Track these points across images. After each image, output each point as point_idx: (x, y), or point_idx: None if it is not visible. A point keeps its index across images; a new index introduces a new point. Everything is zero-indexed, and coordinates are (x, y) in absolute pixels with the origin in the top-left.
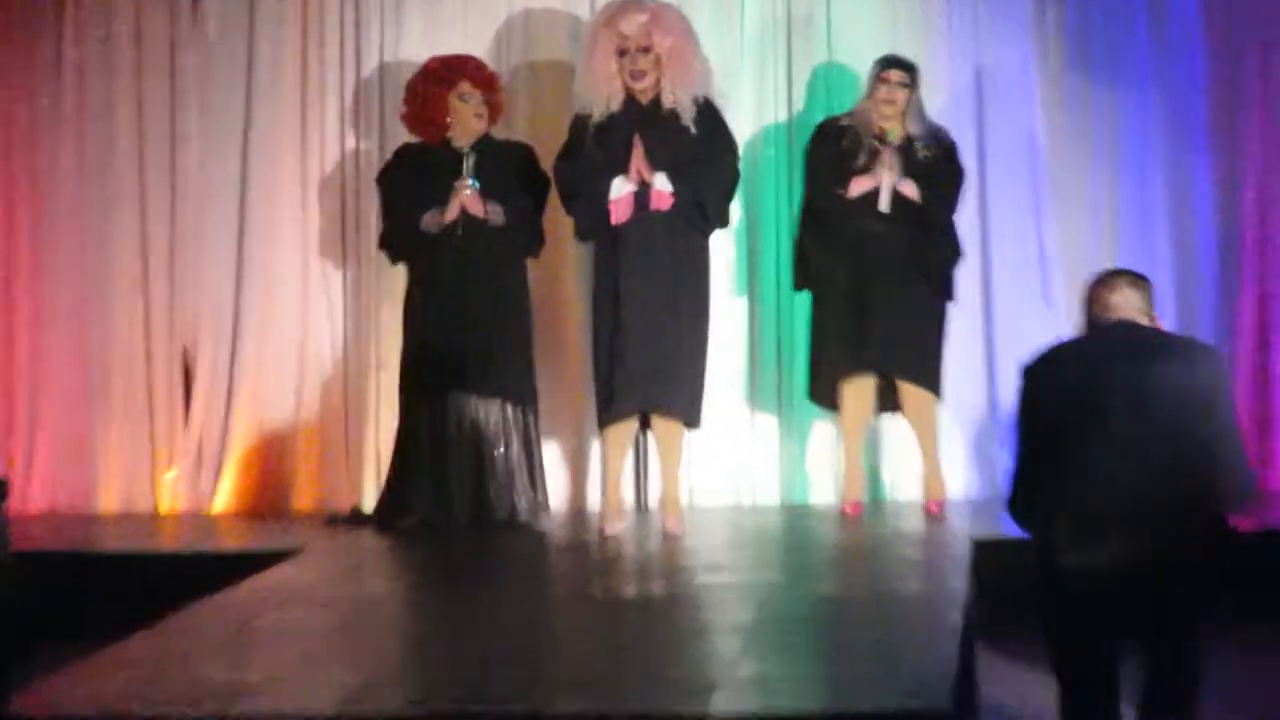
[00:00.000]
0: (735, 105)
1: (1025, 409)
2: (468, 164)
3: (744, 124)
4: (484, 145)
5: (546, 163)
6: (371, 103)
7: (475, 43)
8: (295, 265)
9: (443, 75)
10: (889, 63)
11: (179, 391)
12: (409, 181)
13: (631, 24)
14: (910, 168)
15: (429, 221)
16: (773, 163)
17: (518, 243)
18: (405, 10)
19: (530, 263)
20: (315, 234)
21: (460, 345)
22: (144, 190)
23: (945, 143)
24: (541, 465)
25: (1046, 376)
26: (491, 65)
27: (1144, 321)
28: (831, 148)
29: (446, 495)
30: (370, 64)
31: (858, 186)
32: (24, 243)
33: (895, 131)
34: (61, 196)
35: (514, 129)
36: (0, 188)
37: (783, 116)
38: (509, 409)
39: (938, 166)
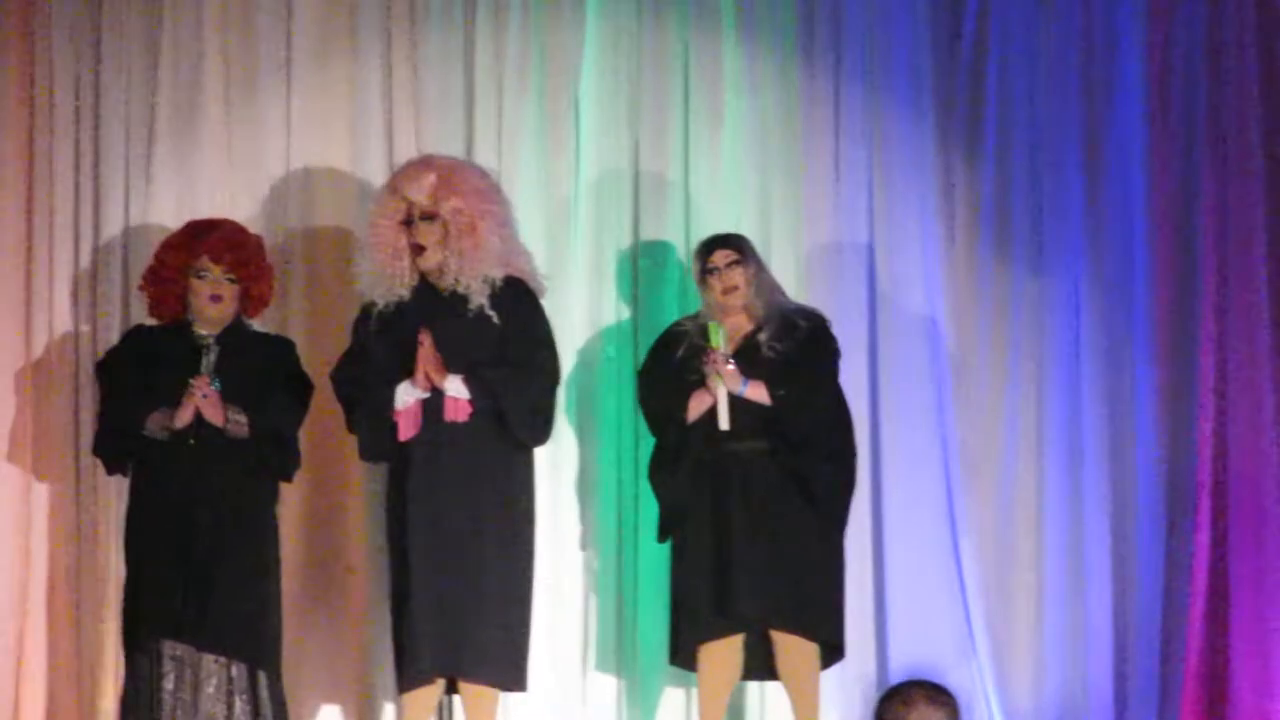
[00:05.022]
0: (565, 290)
1: None
2: (207, 358)
3: (576, 316)
4: (232, 336)
5: (327, 359)
6: (112, 279)
7: (241, 207)
8: (13, 477)
9: (181, 243)
10: (710, 245)
11: None
12: (135, 372)
13: (416, 186)
14: (759, 366)
15: (154, 424)
16: (614, 368)
17: (265, 460)
18: (157, 166)
19: (309, 476)
20: (39, 436)
21: (182, 582)
22: None
23: (805, 323)
24: None
25: None
26: (259, 233)
27: None
28: (664, 361)
29: None
30: (112, 231)
31: (695, 405)
32: None
33: (716, 330)
34: None
35: (289, 315)
36: None
37: (626, 312)
38: (236, 665)
39: (797, 356)
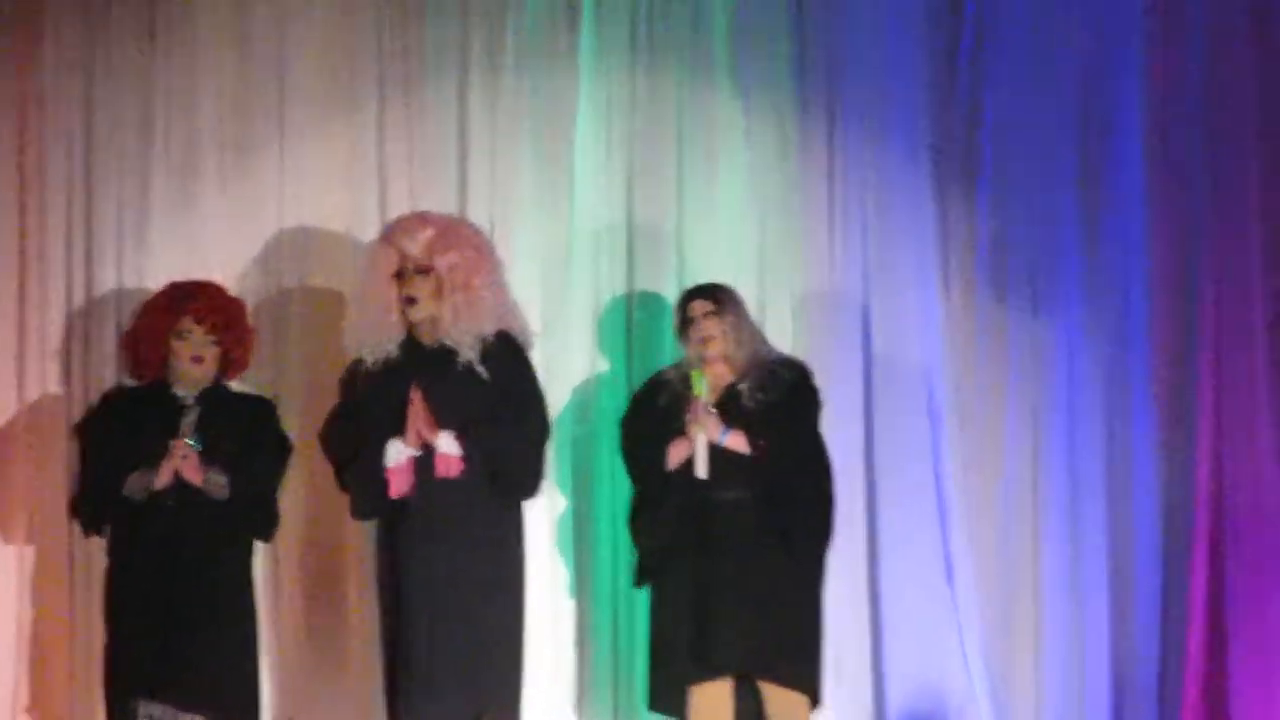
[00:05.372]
0: (560, 342)
1: None
2: (187, 419)
3: (573, 368)
4: (211, 397)
5: (312, 419)
6: (106, 340)
7: (236, 268)
8: (8, 539)
9: (163, 305)
10: (689, 297)
11: None
12: (113, 434)
13: (412, 240)
14: (739, 415)
15: (133, 485)
16: (611, 418)
17: (243, 521)
18: (151, 228)
19: (304, 536)
20: (33, 499)
21: (161, 643)
22: None
23: (786, 373)
24: None
25: None
26: (254, 293)
27: None
28: (646, 411)
29: None
30: (105, 292)
31: (675, 454)
32: None
33: (699, 378)
34: None
35: (287, 375)
36: None
37: (620, 363)
38: None
39: (778, 406)
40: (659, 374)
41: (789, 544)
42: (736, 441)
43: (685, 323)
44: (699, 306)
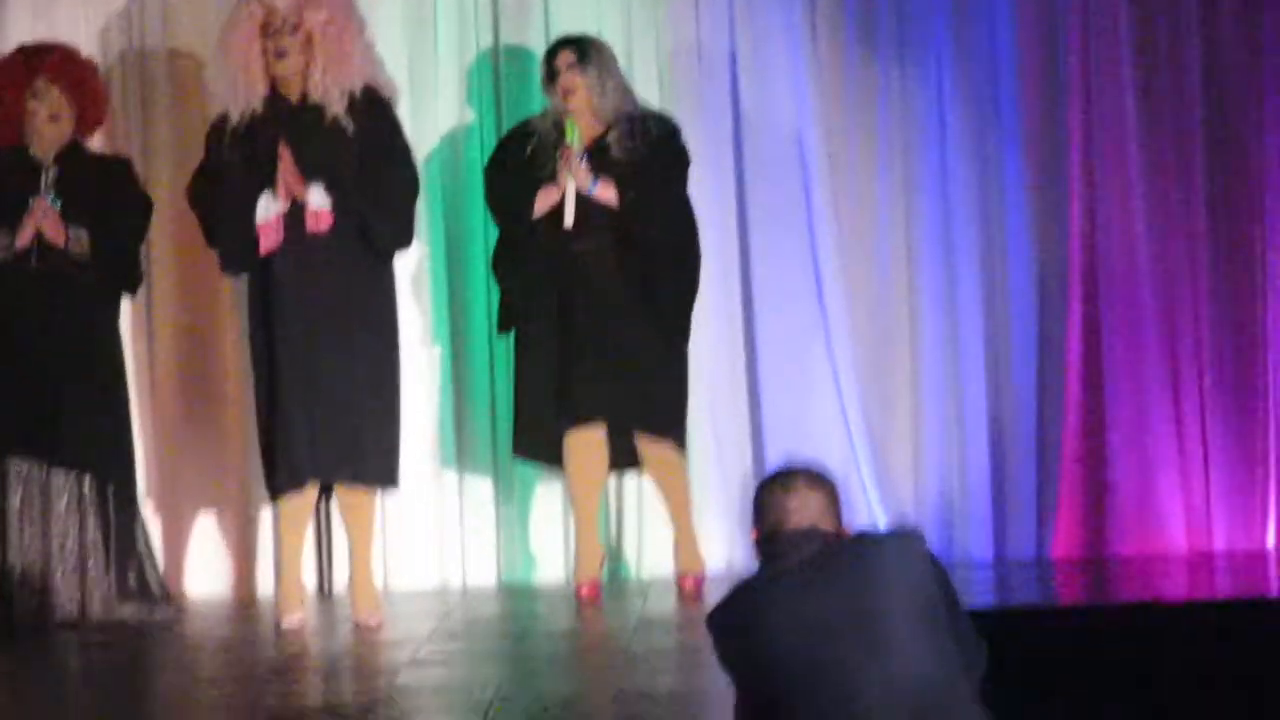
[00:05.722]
0: (431, 97)
1: (727, 672)
2: (46, 178)
3: (442, 120)
4: (70, 157)
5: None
6: None
7: (94, 25)
8: None
9: (14, 69)
10: (555, 48)
11: None
12: None
13: None
14: (607, 166)
15: None
16: (478, 170)
17: (108, 277)
18: None
19: (175, 293)
20: None
21: (26, 402)
22: None
23: (656, 130)
24: (141, 547)
25: (740, 636)
26: (120, 55)
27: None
28: (513, 158)
29: (6, 588)
30: None
31: (543, 201)
32: None
33: (573, 127)
34: None
35: (154, 135)
36: None
37: (489, 117)
38: (87, 480)
39: (647, 160)
40: (525, 123)
41: (654, 297)
42: (605, 192)
43: (550, 74)
44: (564, 58)
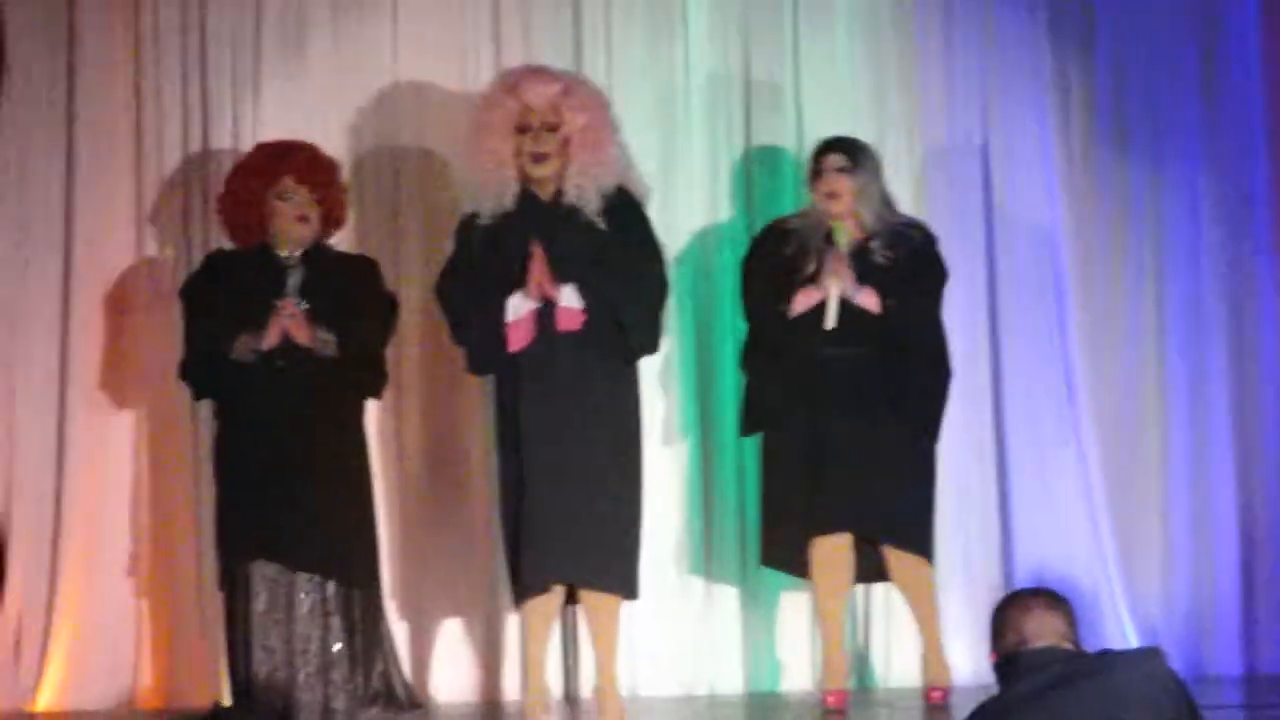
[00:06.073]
0: (681, 200)
1: None
2: (292, 279)
3: (693, 221)
4: (315, 257)
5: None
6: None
7: (348, 126)
8: (134, 396)
9: (261, 167)
10: (825, 148)
11: None
12: (218, 297)
13: (538, 94)
14: (869, 273)
15: (242, 348)
16: (730, 270)
17: (353, 378)
18: (265, 81)
19: (424, 394)
20: (160, 354)
21: (273, 504)
22: None
23: (917, 239)
24: (383, 653)
25: None
26: (369, 150)
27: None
28: (772, 256)
29: (251, 690)
30: (220, 139)
31: (803, 301)
32: None
33: (842, 230)
34: None
35: (404, 232)
36: None
37: (740, 215)
38: (330, 584)
39: (908, 268)
40: (781, 221)
41: (908, 405)
42: (868, 299)
43: (816, 173)
44: (833, 160)
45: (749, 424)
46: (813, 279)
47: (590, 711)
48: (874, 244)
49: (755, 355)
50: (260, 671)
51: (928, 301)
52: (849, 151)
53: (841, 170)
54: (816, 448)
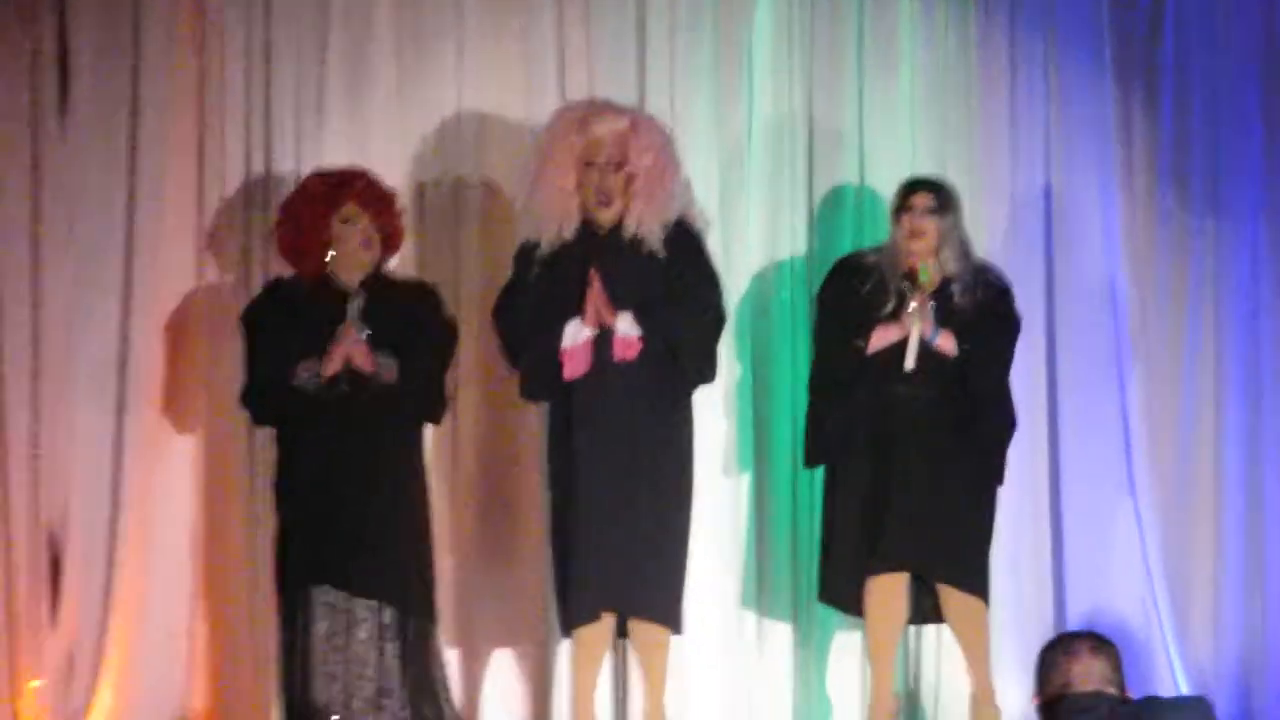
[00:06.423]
0: (740, 237)
1: None
2: (354, 305)
3: (753, 259)
4: (375, 283)
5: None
6: None
7: (412, 156)
8: (190, 421)
9: (322, 194)
10: (913, 186)
11: (44, 584)
12: (279, 325)
13: (606, 130)
14: (947, 316)
15: (304, 375)
16: (788, 308)
17: (414, 405)
18: (328, 109)
19: (479, 421)
20: (217, 380)
21: (333, 529)
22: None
23: (995, 285)
24: (436, 680)
25: None
26: (432, 180)
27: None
28: (848, 291)
29: (306, 716)
30: (283, 163)
31: (880, 339)
32: None
33: (927, 271)
34: None
35: (464, 261)
36: None
37: (801, 251)
38: (387, 610)
39: (984, 314)
40: (858, 255)
41: (975, 448)
42: (946, 343)
43: (902, 210)
44: (922, 200)
45: (811, 456)
46: (893, 316)
47: None
48: (954, 287)
49: (826, 389)
50: (318, 696)
51: (1002, 349)
52: (938, 192)
53: (930, 211)
54: (882, 483)
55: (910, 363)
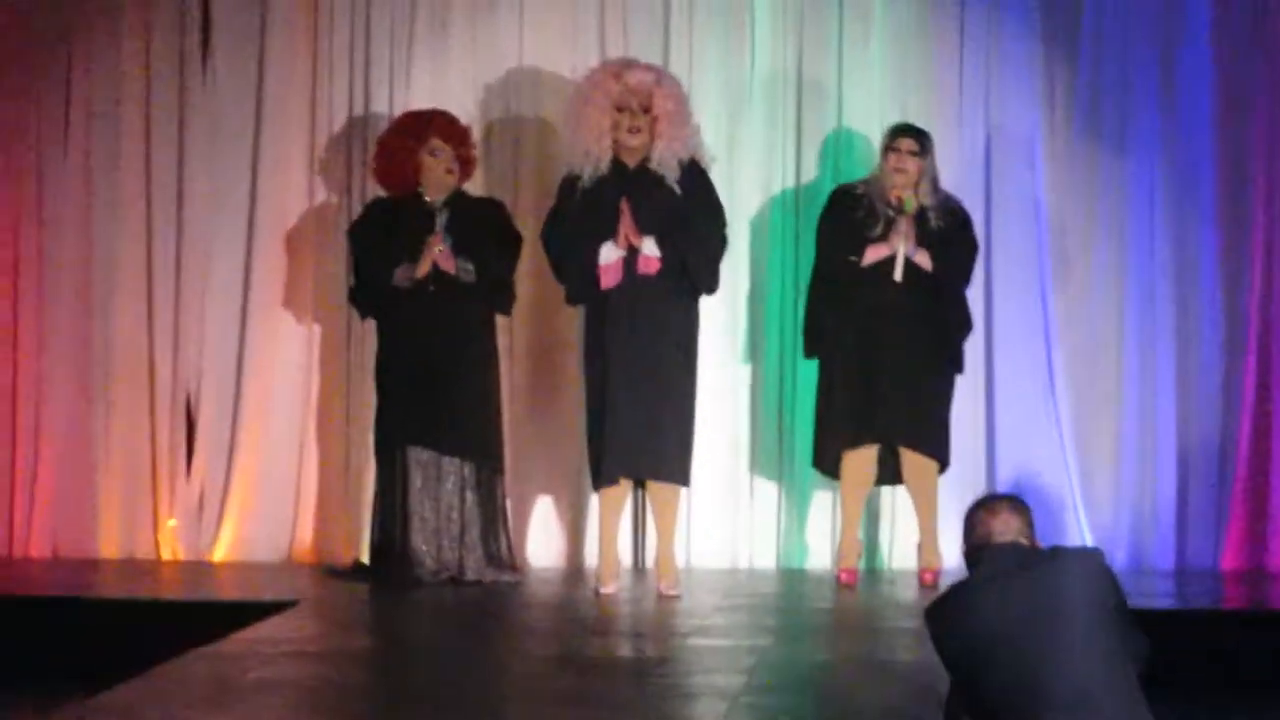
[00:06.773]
0: (741, 171)
1: (940, 655)
2: (440, 220)
3: (751, 190)
4: (455, 201)
5: (540, 223)
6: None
7: (480, 99)
8: (302, 312)
9: (413, 130)
10: (900, 131)
11: (181, 439)
12: (380, 236)
13: (638, 80)
14: (924, 237)
15: (401, 277)
16: (779, 230)
17: (488, 300)
18: (415, 60)
19: (530, 317)
20: (323, 280)
21: (425, 401)
22: (150, 240)
23: (959, 214)
24: (502, 523)
25: (950, 625)
26: (498, 114)
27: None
28: (845, 215)
29: (409, 553)
30: (379, 104)
31: (872, 254)
32: (29, 300)
33: (910, 201)
34: (65, 250)
35: (519, 183)
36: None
37: (790, 183)
38: (468, 466)
39: (952, 237)
40: (850, 186)
41: (945, 341)
42: (923, 259)
43: (889, 149)
44: (907, 143)
45: (810, 348)
46: (880, 237)
47: (653, 577)
48: (930, 214)
49: (825, 293)
50: (416, 537)
51: (965, 265)
52: (920, 137)
53: (912, 153)
54: (869, 370)
55: (899, 275)
